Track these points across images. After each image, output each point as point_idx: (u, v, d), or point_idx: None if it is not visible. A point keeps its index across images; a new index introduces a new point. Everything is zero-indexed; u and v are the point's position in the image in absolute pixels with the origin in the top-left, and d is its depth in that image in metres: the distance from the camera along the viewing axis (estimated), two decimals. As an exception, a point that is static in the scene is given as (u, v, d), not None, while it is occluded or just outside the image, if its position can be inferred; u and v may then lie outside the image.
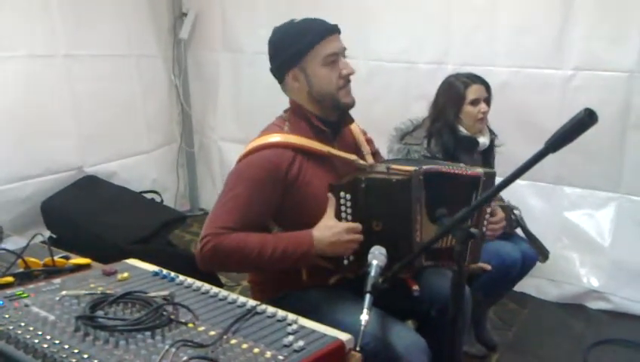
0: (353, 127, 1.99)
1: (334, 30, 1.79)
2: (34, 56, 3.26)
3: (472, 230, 1.30)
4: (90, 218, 3.08)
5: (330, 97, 1.78)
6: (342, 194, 1.71)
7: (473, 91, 2.54)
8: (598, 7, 2.85)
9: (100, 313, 1.28)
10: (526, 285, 3.09)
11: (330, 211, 1.70)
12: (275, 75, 1.85)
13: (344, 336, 1.23)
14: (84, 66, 3.53)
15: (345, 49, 1.80)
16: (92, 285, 1.46)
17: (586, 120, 1.13)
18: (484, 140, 2.59)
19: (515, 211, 2.62)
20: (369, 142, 2.05)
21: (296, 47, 1.75)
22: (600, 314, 3.09)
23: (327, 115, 1.82)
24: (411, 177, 1.70)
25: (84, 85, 3.54)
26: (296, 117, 1.83)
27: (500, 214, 1.95)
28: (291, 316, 1.30)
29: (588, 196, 3.10)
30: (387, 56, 3.42)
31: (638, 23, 2.76)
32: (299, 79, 1.78)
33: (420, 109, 2.68)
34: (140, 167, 3.99)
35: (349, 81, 1.80)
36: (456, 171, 1.79)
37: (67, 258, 1.69)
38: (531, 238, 2.62)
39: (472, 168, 1.85)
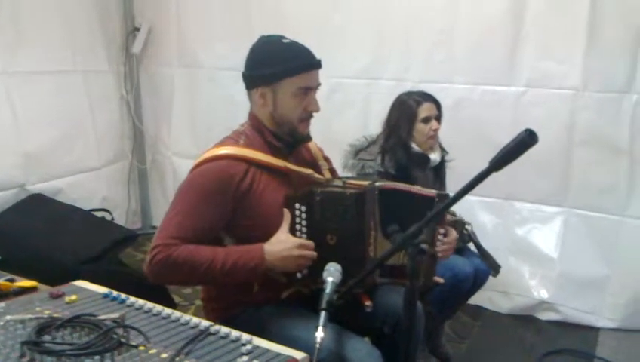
0: (311, 144, 1.99)
1: (317, 66, 1.79)
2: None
3: (423, 246, 1.31)
4: (37, 238, 2.98)
5: (290, 125, 1.78)
6: (297, 206, 1.71)
7: (425, 109, 2.59)
8: (546, 29, 2.98)
9: (46, 338, 1.23)
10: (479, 298, 3.13)
11: (285, 225, 1.69)
12: (244, 81, 1.83)
13: (299, 355, 1.23)
14: (24, 83, 3.42)
15: (319, 85, 1.80)
16: (38, 309, 1.41)
17: (526, 140, 1.16)
18: (435, 157, 2.65)
19: (467, 226, 2.67)
20: (326, 159, 2.06)
21: (275, 69, 1.73)
22: (549, 325, 3.17)
23: (283, 135, 1.82)
24: (366, 191, 1.71)
25: (25, 102, 3.43)
26: (253, 130, 1.82)
27: (454, 235, 1.96)
28: (245, 336, 1.29)
29: (536, 211, 3.20)
30: (348, 73, 3.45)
31: (582, 45, 2.89)
32: (266, 98, 1.76)
33: (379, 126, 2.71)
34: (89, 185, 3.90)
35: (311, 116, 1.80)
36: (412, 190, 1.81)
37: (12, 280, 1.62)
38: (483, 253, 2.66)
39: (427, 189, 1.86)
